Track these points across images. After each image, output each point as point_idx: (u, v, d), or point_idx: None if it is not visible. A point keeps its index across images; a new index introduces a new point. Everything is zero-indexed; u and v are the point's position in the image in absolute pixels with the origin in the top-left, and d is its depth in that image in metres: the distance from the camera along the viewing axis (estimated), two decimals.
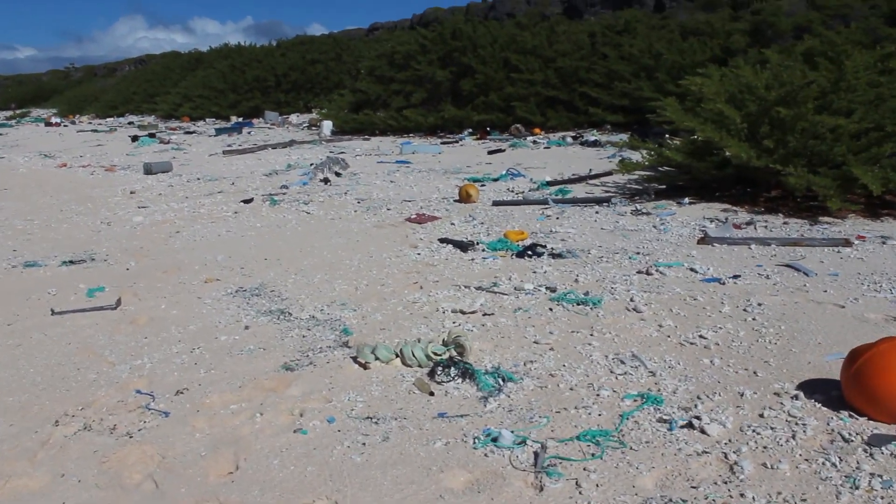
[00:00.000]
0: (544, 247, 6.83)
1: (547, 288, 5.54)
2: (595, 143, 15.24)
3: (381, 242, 7.27)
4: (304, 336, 4.62)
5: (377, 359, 4.14)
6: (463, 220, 8.18)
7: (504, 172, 11.08)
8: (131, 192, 11.25)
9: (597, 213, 8.36)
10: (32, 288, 6.01)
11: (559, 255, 6.54)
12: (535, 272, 5.99)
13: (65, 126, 33.60)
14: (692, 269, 5.94)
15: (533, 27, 22.94)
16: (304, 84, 32.75)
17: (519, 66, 20.42)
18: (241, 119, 29.53)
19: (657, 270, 5.95)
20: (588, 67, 19.71)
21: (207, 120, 31.64)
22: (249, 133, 22.75)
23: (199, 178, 12.44)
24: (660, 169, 9.32)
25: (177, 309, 5.28)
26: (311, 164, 13.41)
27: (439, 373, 3.97)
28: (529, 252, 6.61)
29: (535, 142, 16.18)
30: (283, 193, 10.50)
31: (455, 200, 9.45)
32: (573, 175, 11.02)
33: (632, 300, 5.16)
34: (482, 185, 10.43)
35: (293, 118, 27.67)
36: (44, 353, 4.49)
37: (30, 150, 20.66)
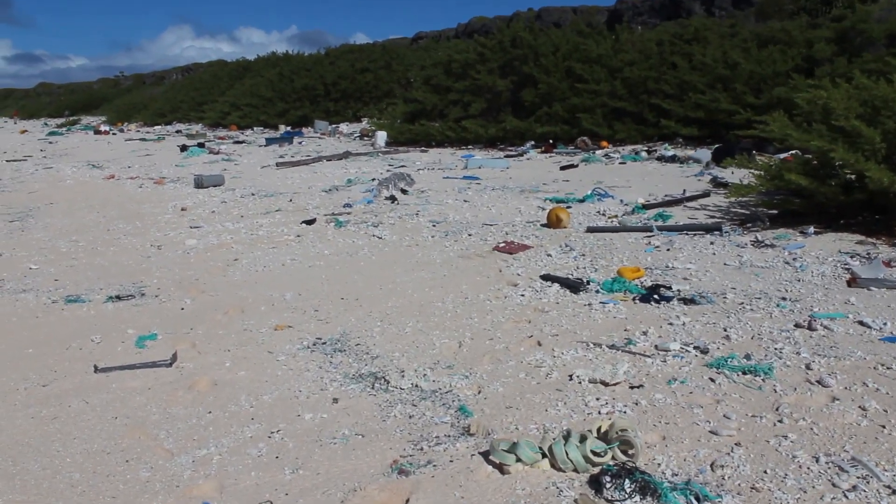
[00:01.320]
0: (669, 288, 5.76)
1: (696, 348, 4.47)
2: (673, 159, 14.06)
3: (473, 278, 6.24)
4: (410, 416, 3.60)
5: (518, 460, 3.09)
6: (559, 251, 7.12)
7: (590, 192, 9.99)
8: (182, 209, 10.38)
9: (712, 244, 7.24)
10: (74, 332, 5.08)
11: (691, 301, 5.44)
12: (671, 323, 4.91)
13: (113, 134, 33.26)
14: (861, 323, 4.81)
15: (596, 35, 21.79)
16: (353, 93, 31.98)
17: (584, 76, 19.30)
18: (289, 128, 28.82)
19: (820, 324, 4.83)
20: (657, 77, 18.50)
21: (255, 128, 31.02)
22: (300, 143, 21.95)
23: (253, 194, 11.54)
24: (774, 193, 8.13)
25: (245, 368, 4.30)
26: (373, 180, 12.45)
27: (608, 485, 2.92)
28: (656, 296, 5.53)
29: (607, 156, 15.05)
30: (348, 213, 9.54)
31: (542, 225, 8.39)
32: (666, 196, 9.88)
33: (808, 368, 4.09)
34: (568, 207, 9.35)
35: (343, 127, 26.85)
36: (84, 432, 3.53)
37: (78, 159, 20.09)
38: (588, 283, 6.00)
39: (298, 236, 8.27)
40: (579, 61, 19.63)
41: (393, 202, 10.26)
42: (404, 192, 11.07)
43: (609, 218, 8.70)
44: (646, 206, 8.95)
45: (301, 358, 4.45)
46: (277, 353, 4.54)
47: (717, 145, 14.43)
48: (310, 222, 8.96)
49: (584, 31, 21.82)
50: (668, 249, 7.08)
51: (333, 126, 26.65)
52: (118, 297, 5.91)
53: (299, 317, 5.28)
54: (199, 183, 12.43)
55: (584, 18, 44.18)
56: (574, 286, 5.86)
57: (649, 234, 7.76)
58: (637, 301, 5.54)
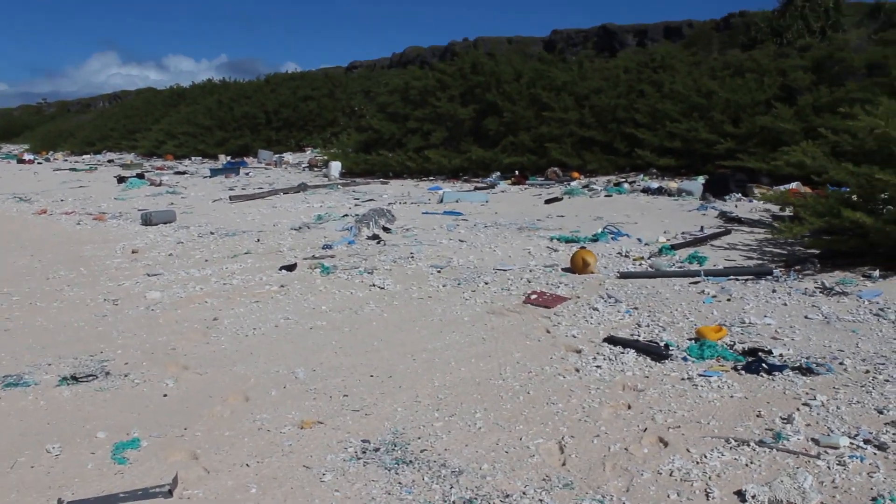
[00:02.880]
0: (769, 352, 4.71)
1: (868, 442, 3.40)
2: (660, 191, 13.22)
3: (520, 341, 5.09)
4: None
5: None
6: (604, 303, 6.02)
7: (601, 231, 8.96)
8: (133, 252, 8.94)
9: (774, 291, 6.26)
10: (19, 438, 3.70)
11: (808, 370, 4.40)
12: (806, 405, 3.84)
13: (39, 163, 31.02)
14: None
15: (559, 62, 21.07)
16: (296, 121, 30.66)
17: (550, 104, 18.47)
18: (230, 158, 27.25)
19: None
20: (627, 106, 17.79)
21: (193, 158, 29.30)
22: (248, 174, 20.48)
23: (212, 233, 10.15)
24: (820, 231, 7.23)
25: (280, 498, 3.01)
26: (345, 216, 11.20)
27: None
28: (765, 364, 4.46)
29: (588, 188, 14.13)
30: (331, 256, 8.27)
31: (564, 269, 7.30)
32: (684, 234, 8.95)
33: None
34: (582, 247, 8.29)
35: (288, 157, 25.45)
36: None
37: (1, 190, 18.17)
38: (667, 347, 4.90)
39: (282, 286, 6.97)
40: (544, 89, 18.79)
41: (378, 242, 9.04)
42: (387, 230, 9.86)
43: (635, 260, 7.68)
44: (674, 247, 7.93)
45: (353, 475, 3.20)
46: (318, 469, 3.28)
47: (703, 177, 13.67)
48: (290, 268, 7.67)
49: (546, 58, 21.06)
50: (728, 299, 6.07)
51: (278, 156, 25.24)
52: (75, 379, 4.53)
53: (326, 406, 4.02)
54: (148, 219, 10.96)
55: (519, 48, 43.93)
56: (656, 353, 4.75)
57: (693, 279, 6.73)
58: (742, 371, 4.45)
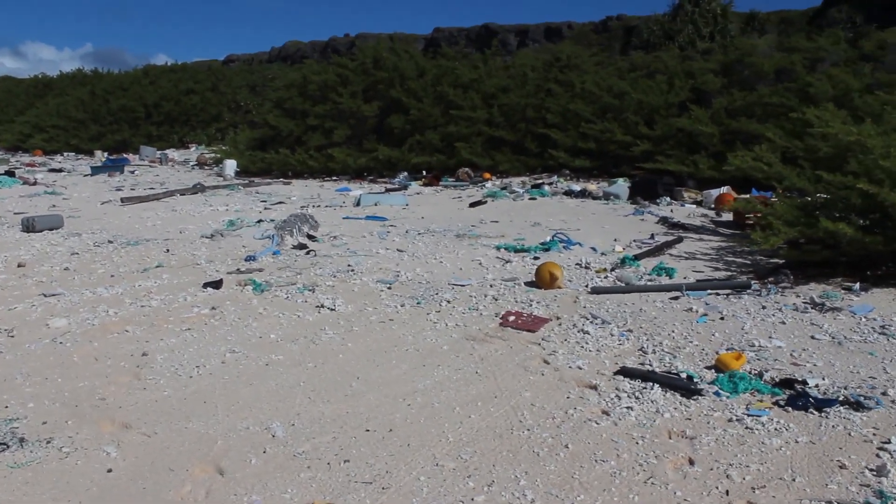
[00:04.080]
0: (804, 382, 4.23)
1: None
2: (583, 194, 12.85)
3: (520, 375, 4.44)
4: None
5: None
6: (591, 324, 5.42)
7: (551, 239, 8.38)
8: (19, 265, 7.65)
9: (764, 308, 5.88)
10: None
11: (858, 405, 3.92)
12: (884, 450, 3.33)
13: None
14: None
15: (462, 59, 20.50)
16: (179, 116, 28.82)
17: (457, 102, 17.87)
18: (108, 154, 25.19)
19: None
20: (537, 105, 17.43)
21: (66, 154, 26.96)
22: (133, 173, 18.82)
23: (110, 241, 8.92)
24: (801, 242, 6.92)
25: None
26: (259, 221, 10.17)
27: None
28: (811, 399, 3.95)
29: (506, 189, 13.63)
30: (259, 269, 7.31)
31: (527, 283, 6.67)
32: (634, 242, 8.53)
33: None
34: (535, 258, 7.72)
35: (173, 154, 23.76)
36: None
37: None
38: (690, 379, 4.33)
39: (213, 308, 5.98)
40: (451, 86, 18.17)
41: (307, 253, 8.12)
42: (312, 238, 8.95)
43: (597, 272, 7.14)
44: (637, 257, 7.45)
45: None
46: None
47: (623, 179, 13.38)
48: (215, 285, 6.67)
49: (449, 55, 20.45)
50: (721, 318, 5.61)
51: (162, 153, 23.49)
52: None
53: (328, 478, 3.17)
54: (30, 225, 9.55)
55: (402, 45, 43.35)
56: (683, 388, 4.16)
57: (672, 294, 6.24)
58: (788, 408, 3.92)
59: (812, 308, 5.84)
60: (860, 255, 6.74)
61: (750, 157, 8.63)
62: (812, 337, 5.19)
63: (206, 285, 6.71)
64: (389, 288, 6.62)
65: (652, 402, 4.02)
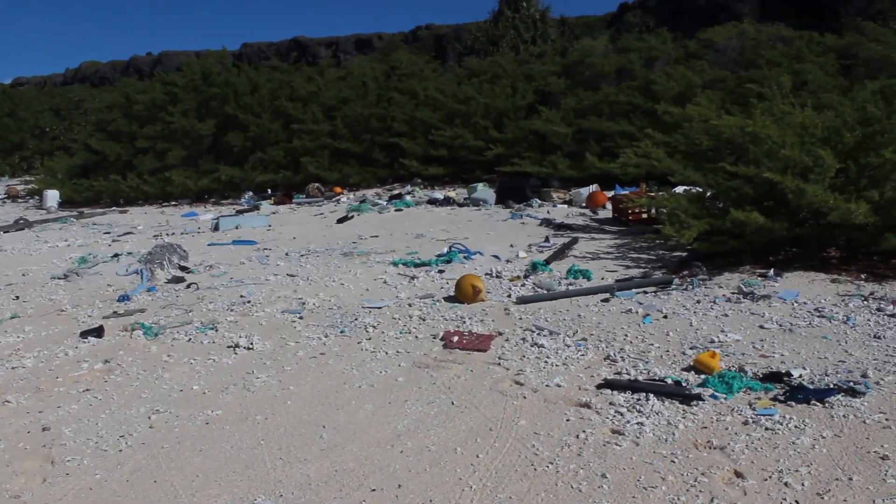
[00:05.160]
0: (787, 374, 4.17)
1: None
2: (448, 201, 12.65)
3: (500, 402, 4.08)
4: None
5: None
6: (539, 336, 5.13)
7: (450, 250, 8.04)
8: None
9: (698, 302, 5.86)
10: None
11: (853, 391, 3.88)
12: None
13: None
14: None
15: (294, 72, 19.78)
16: None
17: (297, 116, 17.18)
18: None
19: None
20: (383, 115, 17.10)
21: None
22: None
23: None
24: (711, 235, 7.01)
25: None
26: (115, 256, 9.09)
27: None
28: (809, 392, 3.87)
29: (364, 202, 13.16)
30: (141, 311, 6.42)
31: (445, 299, 6.30)
32: (532, 247, 8.36)
33: None
34: (440, 271, 7.36)
35: None
36: None
37: None
38: (678, 384, 4.13)
39: (107, 362, 5.11)
40: (289, 99, 17.44)
41: (188, 287, 7.29)
42: (185, 269, 8.06)
43: (511, 280, 6.89)
44: (548, 261, 7.26)
45: None
46: None
47: (482, 184, 13.28)
48: (97, 334, 5.74)
49: (281, 68, 19.65)
50: (665, 317, 5.51)
51: None
52: None
53: None
54: None
55: (213, 63, 41.83)
56: (681, 395, 3.94)
57: (602, 296, 6.08)
58: (790, 403, 3.80)
59: (743, 297, 5.86)
60: (763, 243, 6.90)
61: (633, 154, 8.70)
62: (761, 327, 5.17)
63: (84, 335, 5.76)
64: (301, 318, 5.99)
65: (656, 413, 3.76)
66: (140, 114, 17.23)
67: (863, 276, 6.36)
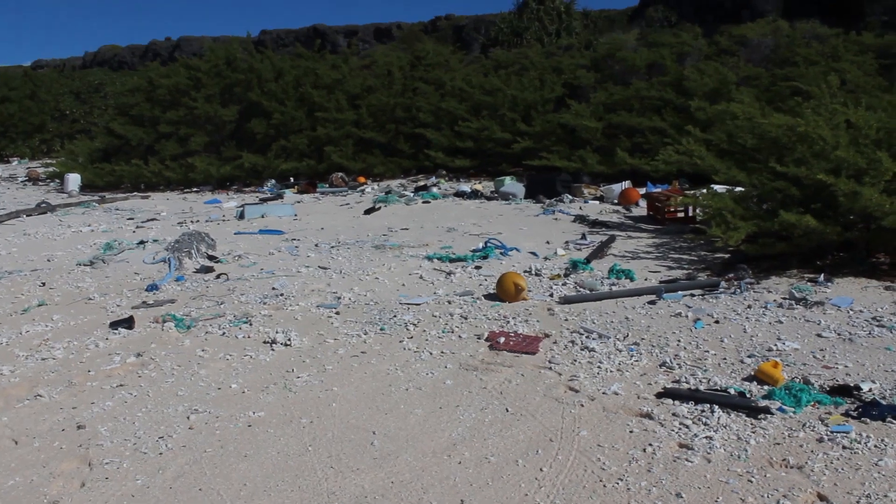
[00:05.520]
0: (857, 387, 3.95)
1: None
2: (476, 194, 12.42)
3: (556, 409, 3.88)
4: None
5: None
6: (589, 339, 4.93)
7: (486, 246, 7.84)
8: None
9: (749, 307, 5.64)
10: None
11: None
12: None
13: None
14: None
15: (318, 59, 19.56)
16: None
17: (323, 104, 16.97)
18: None
19: None
20: (409, 105, 16.87)
21: None
22: None
23: None
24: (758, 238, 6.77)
25: None
26: (141, 243, 8.94)
27: None
28: (885, 408, 3.65)
29: (398, 193, 12.94)
30: (171, 302, 6.27)
31: (486, 296, 6.09)
32: (568, 243, 8.13)
33: None
34: (477, 267, 7.16)
35: None
36: None
37: None
38: (742, 395, 3.91)
39: (139, 355, 4.95)
40: (314, 87, 17.23)
41: (218, 277, 7.12)
42: (213, 258, 7.90)
43: (551, 279, 6.67)
44: (589, 259, 7.04)
45: None
46: None
47: (510, 178, 13.04)
48: (127, 325, 5.58)
49: (305, 55, 19.46)
50: (717, 322, 5.28)
51: None
52: None
53: None
54: None
55: (237, 48, 41.69)
56: (747, 407, 3.73)
57: (651, 299, 5.86)
58: (864, 419, 3.58)
59: (796, 303, 5.62)
60: (811, 246, 6.66)
61: (673, 152, 8.46)
62: (818, 335, 4.95)
63: (114, 325, 5.60)
64: (337, 313, 5.81)
65: (724, 427, 3.56)
66: (163, 98, 17.07)
67: None
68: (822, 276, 6.25)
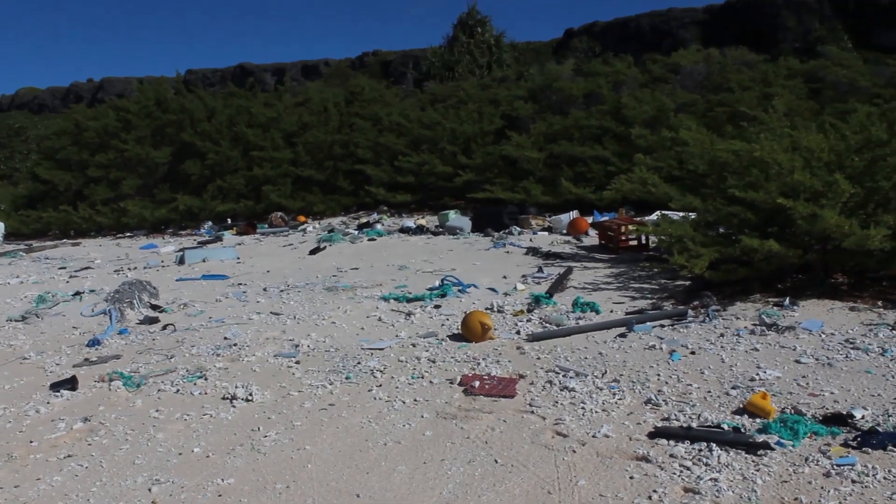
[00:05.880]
0: (851, 416, 3.87)
1: None
2: (421, 230, 12.25)
3: (547, 457, 3.71)
4: None
5: None
6: (566, 378, 4.76)
7: (443, 283, 7.64)
8: None
9: (722, 335, 5.55)
10: None
11: None
12: None
13: None
14: None
15: (252, 97, 19.24)
16: None
17: (258, 143, 16.64)
18: None
19: None
20: (347, 141, 16.67)
21: None
22: None
23: None
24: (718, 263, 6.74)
25: None
26: (76, 294, 8.44)
27: None
28: (884, 437, 3.57)
29: (342, 232, 12.66)
30: (116, 358, 5.87)
31: (451, 337, 5.89)
32: (524, 277, 8.01)
33: None
34: (437, 306, 6.95)
35: None
36: None
37: None
38: (736, 430, 3.79)
39: (87, 420, 4.56)
40: (249, 126, 16.89)
41: (164, 328, 6.74)
42: (157, 308, 7.49)
43: (515, 315, 6.51)
44: (550, 293, 6.90)
45: None
46: None
47: (454, 212, 12.93)
48: (70, 386, 5.18)
49: (238, 93, 19.10)
50: (693, 353, 5.18)
51: None
52: None
53: None
54: None
55: (166, 88, 41.04)
56: (746, 444, 3.60)
57: (620, 332, 5.74)
58: (865, 450, 3.48)
59: (767, 329, 5.57)
60: (772, 270, 6.66)
61: (626, 181, 8.43)
62: (797, 362, 4.90)
63: (55, 387, 5.19)
64: (297, 362, 5.52)
65: (726, 466, 3.41)
66: (91, 141, 16.49)
67: (880, 304, 6.14)
68: (787, 299, 6.23)
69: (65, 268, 10.74)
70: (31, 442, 4.24)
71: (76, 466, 3.87)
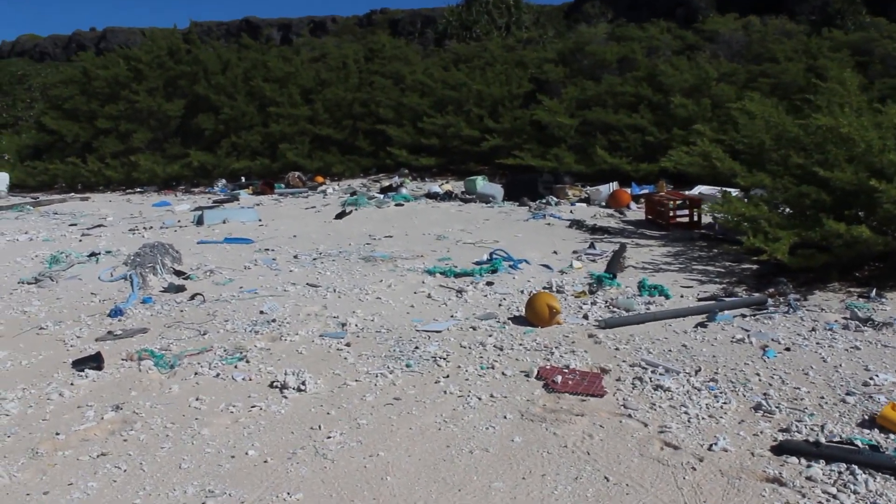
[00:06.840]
0: None
1: None
2: (449, 196, 11.67)
3: (674, 478, 3.24)
4: None
5: None
6: (656, 374, 4.25)
7: (493, 258, 7.10)
8: None
9: (813, 330, 5.02)
10: None
11: None
12: None
13: None
14: None
15: (266, 50, 18.49)
16: None
17: (274, 99, 15.95)
18: None
19: None
20: (366, 100, 15.98)
21: None
22: None
23: None
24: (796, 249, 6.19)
25: None
26: (92, 255, 7.89)
27: None
28: None
29: (368, 197, 12.07)
30: (142, 331, 5.33)
31: (512, 319, 5.35)
32: (574, 253, 7.47)
33: None
34: (489, 283, 6.42)
35: None
36: None
37: None
38: (877, 449, 3.28)
39: (118, 409, 4.04)
40: (265, 81, 16.18)
41: (192, 298, 6.19)
42: (180, 274, 6.95)
43: (575, 296, 5.95)
44: (613, 274, 6.36)
45: None
46: None
47: (482, 178, 12.28)
48: (94, 364, 4.65)
49: (252, 46, 18.35)
50: (787, 349, 4.65)
51: None
52: None
53: None
54: None
55: (166, 37, 40.03)
56: (879, 464, 3.07)
57: (701, 320, 5.22)
58: None
59: (863, 325, 5.03)
60: (851, 257, 6.11)
61: (684, 153, 7.85)
62: None
63: (78, 364, 4.66)
64: (347, 344, 4.98)
65: (880, 495, 2.92)
66: (100, 91, 15.79)
67: None
68: (873, 290, 5.70)
69: (76, 224, 10.18)
70: (58, 434, 3.73)
71: (113, 469, 3.36)
